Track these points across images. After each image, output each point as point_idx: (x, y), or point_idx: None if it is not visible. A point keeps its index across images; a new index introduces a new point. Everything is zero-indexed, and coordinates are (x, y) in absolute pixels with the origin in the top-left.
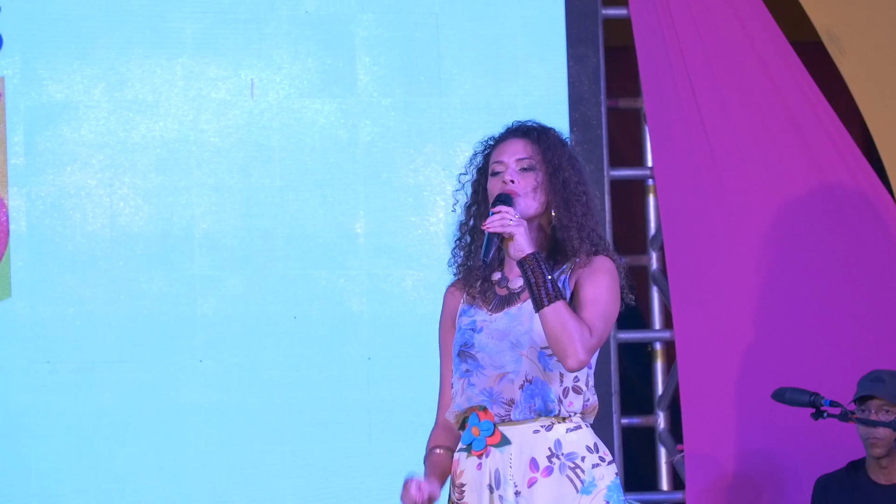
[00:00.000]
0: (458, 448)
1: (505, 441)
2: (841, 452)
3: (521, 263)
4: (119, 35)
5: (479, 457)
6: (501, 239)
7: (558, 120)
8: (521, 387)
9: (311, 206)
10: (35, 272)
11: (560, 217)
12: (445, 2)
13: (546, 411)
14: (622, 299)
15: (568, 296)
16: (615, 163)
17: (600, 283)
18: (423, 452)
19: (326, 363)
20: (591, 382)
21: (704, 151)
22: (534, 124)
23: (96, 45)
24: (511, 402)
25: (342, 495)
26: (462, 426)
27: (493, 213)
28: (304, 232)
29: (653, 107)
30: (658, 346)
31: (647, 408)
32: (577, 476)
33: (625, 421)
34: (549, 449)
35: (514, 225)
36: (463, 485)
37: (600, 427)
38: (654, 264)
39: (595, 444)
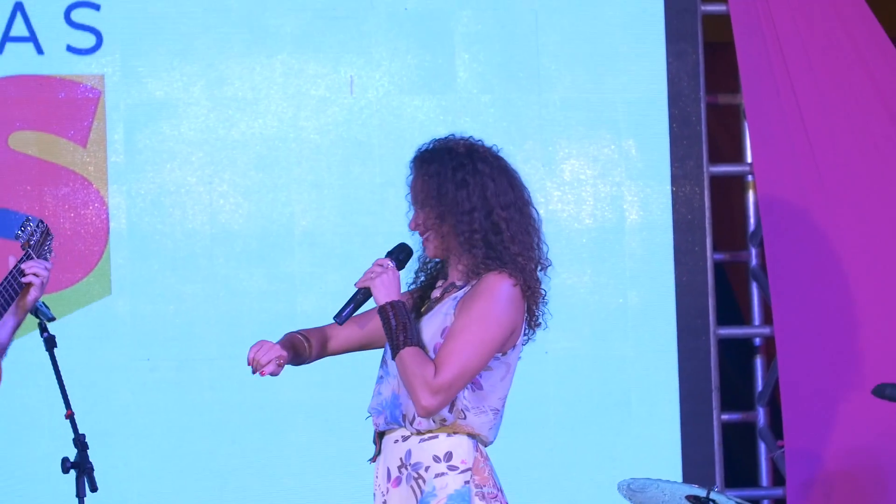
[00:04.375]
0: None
1: (380, 451)
2: None
3: (378, 313)
4: (218, 32)
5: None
6: (364, 293)
7: (657, 116)
8: (392, 398)
9: None
10: (135, 270)
11: (453, 240)
12: None
13: (398, 424)
14: (531, 303)
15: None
16: (714, 159)
17: (471, 310)
18: (521, 448)
19: None
20: (460, 405)
21: (804, 147)
22: (420, 151)
23: (196, 43)
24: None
25: None
26: None
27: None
28: (403, 229)
29: (752, 102)
30: (758, 342)
31: (747, 404)
32: (419, 486)
33: (725, 417)
34: (400, 459)
35: (374, 277)
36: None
37: (701, 423)
38: (754, 260)
39: (448, 454)
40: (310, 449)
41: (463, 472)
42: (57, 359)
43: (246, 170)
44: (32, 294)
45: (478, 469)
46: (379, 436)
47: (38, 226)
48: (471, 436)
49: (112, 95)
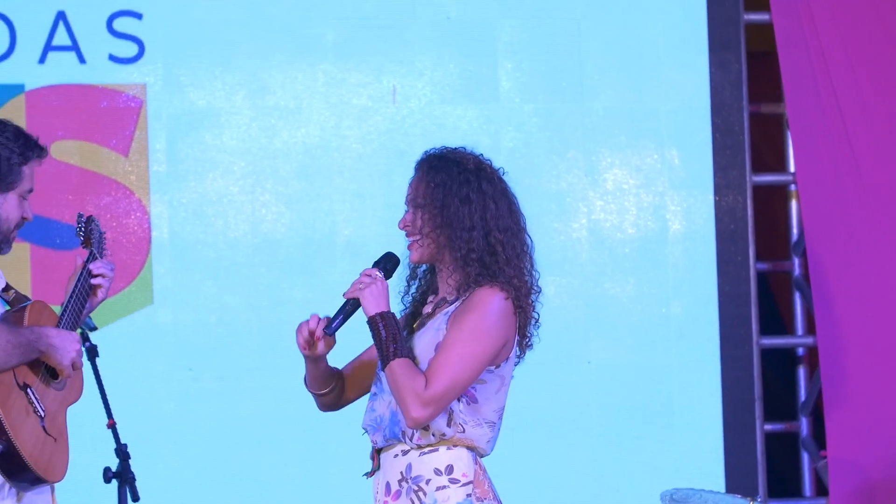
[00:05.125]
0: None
1: (379, 466)
2: None
3: (368, 324)
4: (260, 42)
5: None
6: (354, 304)
7: (700, 125)
8: (390, 415)
9: None
10: (177, 279)
11: (447, 253)
12: (587, 7)
13: (398, 440)
14: (523, 322)
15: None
16: (758, 168)
17: (462, 323)
18: (564, 458)
19: None
20: (458, 419)
21: (847, 156)
22: (428, 155)
23: (238, 52)
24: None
25: None
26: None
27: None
28: None
29: (795, 112)
30: (801, 352)
31: (790, 414)
32: (419, 499)
33: (768, 427)
34: (401, 473)
35: (362, 287)
36: None
37: (744, 433)
38: (797, 270)
39: (449, 467)
40: (351, 459)
41: (464, 485)
42: (99, 368)
43: (288, 179)
44: (99, 296)
45: (478, 482)
46: (377, 451)
47: (89, 222)
48: (470, 448)
49: (154, 104)
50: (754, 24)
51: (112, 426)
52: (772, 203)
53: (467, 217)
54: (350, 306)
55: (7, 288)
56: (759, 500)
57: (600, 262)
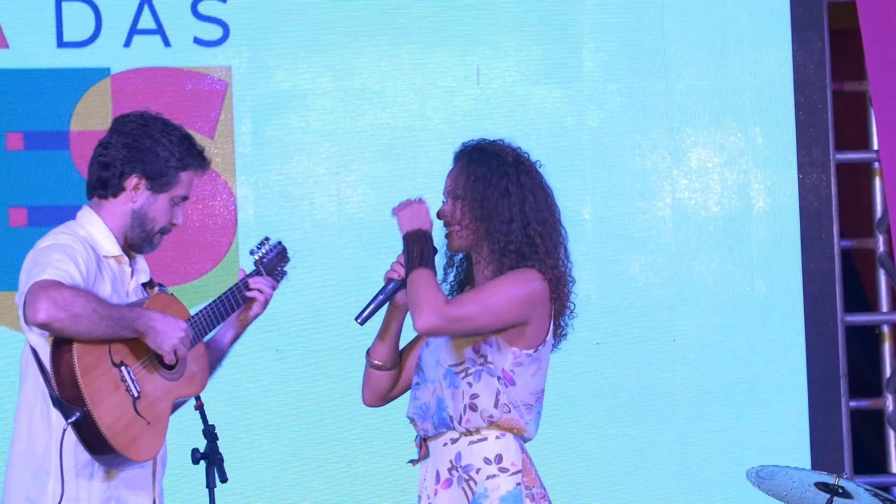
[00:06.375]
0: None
1: (427, 454)
2: None
3: (404, 239)
4: (345, 24)
5: (416, 466)
6: (395, 286)
7: (783, 103)
8: (436, 402)
9: None
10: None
11: (486, 244)
12: None
13: (447, 427)
14: (559, 310)
15: None
16: (841, 146)
17: (498, 279)
18: (649, 436)
19: None
20: (504, 399)
21: None
22: (467, 146)
23: (323, 34)
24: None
25: (570, 479)
26: None
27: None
28: None
29: (878, 90)
30: (885, 329)
31: (875, 390)
32: (470, 488)
33: (853, 404)
34: (451, 461)
35: (399, 209)
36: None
37: (829, 410)
38: (881, 247)
39: (498, 456)
40: None
41: (514, 473)
42: None
43: (373, 160)
44: (255, 310)
45: (526, 470)
46: (424, 440)
47: (275, 246)
48: (516, 434)
49: (239, 87)
50: (837, 3)
51: (200, 407)
52: (855, 180)
53: (507, 209)
54: (384, 295)
55: (151, 284)
56: (844, 476)
57: (685, 241)
